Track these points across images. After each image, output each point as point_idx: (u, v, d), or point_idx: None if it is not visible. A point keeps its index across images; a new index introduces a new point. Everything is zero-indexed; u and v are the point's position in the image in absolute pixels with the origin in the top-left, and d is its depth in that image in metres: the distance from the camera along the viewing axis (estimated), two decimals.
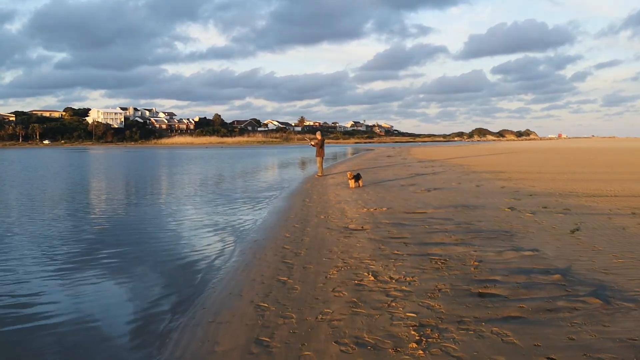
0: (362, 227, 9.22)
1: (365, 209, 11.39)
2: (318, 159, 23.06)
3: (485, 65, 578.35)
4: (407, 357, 3.85)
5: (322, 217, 10.84)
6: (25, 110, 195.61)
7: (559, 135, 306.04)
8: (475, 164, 27.92)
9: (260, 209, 13.55)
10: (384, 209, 11.28)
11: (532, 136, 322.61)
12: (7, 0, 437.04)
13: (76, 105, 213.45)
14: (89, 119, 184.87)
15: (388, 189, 15.49)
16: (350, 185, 16.51)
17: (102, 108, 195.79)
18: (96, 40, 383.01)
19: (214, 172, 30.65)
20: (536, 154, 42.58)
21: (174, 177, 26.77)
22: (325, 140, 23.80)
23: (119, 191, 19.47)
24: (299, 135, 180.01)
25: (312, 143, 23.28)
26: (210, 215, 12.57)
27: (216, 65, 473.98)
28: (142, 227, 11.01)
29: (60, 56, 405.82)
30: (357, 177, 16.68)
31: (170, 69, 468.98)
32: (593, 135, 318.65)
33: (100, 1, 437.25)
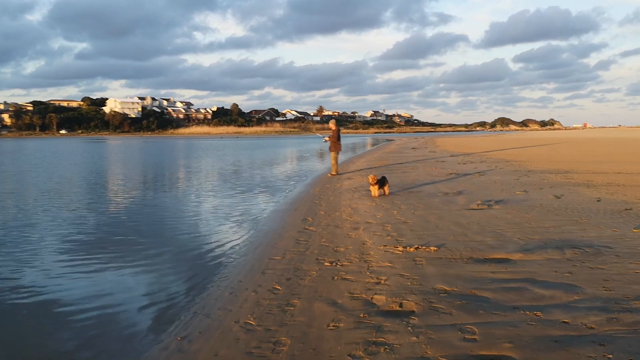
0: (401, 306, 4.65)
1: (400, 248, 6.79)
2: (332, 154, 18.47)
3: (507, 53, 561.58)
4: None
5: (327, 264, 6.29)
6: (46, 100, 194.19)
7: (584, 125, 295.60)
8: (523, 160, 22.97)
9: (236, 232, 9.03)
10: (433, 248, 6.66)
11: (556, 126, 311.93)
12: None
13: (97, 95, 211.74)
14: (106, 109, 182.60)
15: (427, 202, 10.83)
16: (373, 194, 11.91)
17: (120, 98, 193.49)
18: (116, 30, 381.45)
19: (211, 167, 26.19)
20: (581, 145, 37.22)
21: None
22: (342, 130, 19.17)
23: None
24: (317, 125, 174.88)
25: (327, 138, 18.62)
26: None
27: (235, 55, 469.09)
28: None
29: (80, 46, 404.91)
30: (381, 182, 12.06)
31: (190, 59, 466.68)
32: (620, 125, 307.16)
33: None
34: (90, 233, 9.28)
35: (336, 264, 6.27)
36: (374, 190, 11.87)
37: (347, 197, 12.21)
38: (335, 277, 5.70)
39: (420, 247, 6.75)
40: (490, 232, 7.48)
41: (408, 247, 6.74)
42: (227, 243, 8.31)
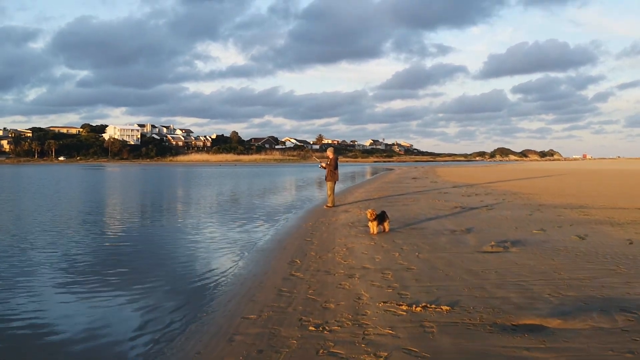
0: None
1: (404, 306, 5.46)
2: (329, 184, 17.26)
3: (505, 84, 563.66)
4: None
5: (312, 327, 4.95)
6: (46, 126, 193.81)
7: (584, 156, 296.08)
8: (531, 192, 21.71)
9: (209, 279, 7.68)
10: (445, 308, 5.33)
11: (556, 156, 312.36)
12: (31, 19, 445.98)
13: (98, 122, 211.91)
14: (106, 136, 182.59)
15: (432, 242, 9.52)
16: (371, 231, 10.62)
17: (120, 125, 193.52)
18: (118, 58, 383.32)
19: (201, 197, 24.91)
20: (586, 177, 35.99)
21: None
22: (342, 159, 18.01)
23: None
24: (317, 154, 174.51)
25: (323, 165, 17.55)
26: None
27: (236, 84, 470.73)
28: None
29: (82, 74, 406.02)
30: (381, 218, 10.78)
31: (191, 87, 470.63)
32: (619, 157, 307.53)
33: (122, 20, 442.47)
34: (25, 272, 7.94)
35: (323, 328, 4.94)
36: (373, 227, 10.58)
37: (342, 234, 10.91)
38: (321, 351, 4.36)
39: (429, 305, 5.42)
40: (513, 285, 6.16)
41: (414, 306, 5.41)
42: (195, 294, 6.96)
